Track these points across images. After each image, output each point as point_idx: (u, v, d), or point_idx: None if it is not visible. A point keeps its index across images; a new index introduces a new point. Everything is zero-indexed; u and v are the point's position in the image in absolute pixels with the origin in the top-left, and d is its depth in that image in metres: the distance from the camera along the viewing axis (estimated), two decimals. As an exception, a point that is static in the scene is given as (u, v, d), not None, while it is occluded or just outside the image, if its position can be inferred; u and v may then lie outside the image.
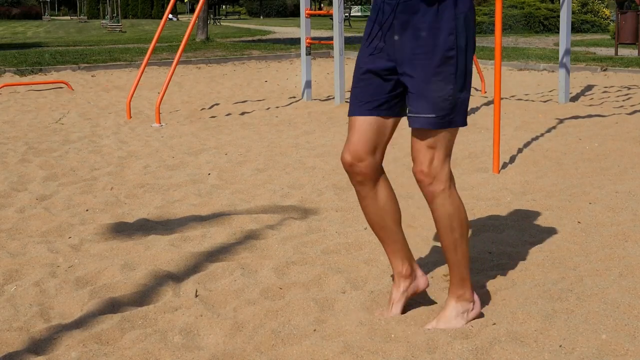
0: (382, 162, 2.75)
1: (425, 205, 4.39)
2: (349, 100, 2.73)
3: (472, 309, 2.78)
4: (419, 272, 2.92)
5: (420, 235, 3.86)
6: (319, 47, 17.16)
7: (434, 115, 2.52)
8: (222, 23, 49.28)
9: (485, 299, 3.01)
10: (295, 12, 57.67)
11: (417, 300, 2.97)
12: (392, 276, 2.94)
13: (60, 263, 3.48)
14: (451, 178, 2.64)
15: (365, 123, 2.66)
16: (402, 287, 2.87)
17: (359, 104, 2.67)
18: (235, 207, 4.46)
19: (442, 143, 2.58)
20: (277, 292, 3.11)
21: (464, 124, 2.61)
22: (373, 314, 2.85)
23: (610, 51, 17.05)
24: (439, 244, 3.69)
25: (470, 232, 2.72)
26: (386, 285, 3.13)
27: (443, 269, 3.33)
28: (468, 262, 2.74)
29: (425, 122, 2.53)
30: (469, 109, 8.47)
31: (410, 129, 2.61)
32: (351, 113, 2.69)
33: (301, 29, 9.19)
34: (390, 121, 2.70)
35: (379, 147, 2.71)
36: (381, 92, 2.64)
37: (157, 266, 3.40)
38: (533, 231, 3.89)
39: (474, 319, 2.78)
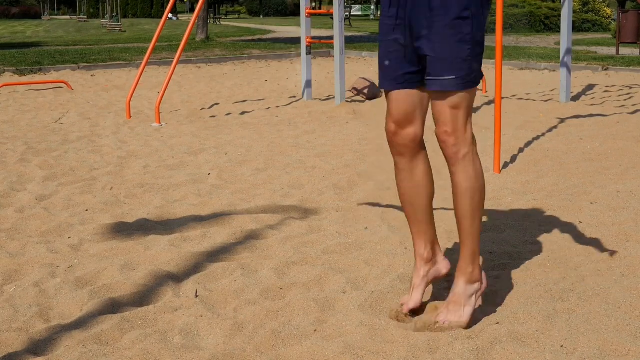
0: (422, 135, 2.76)
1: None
2: (377, 74, 2.77)
3: (480, 287, 2.75)
4: (441, 257, 2.90)
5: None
6: (320, 47, 17.16)
7: (453, 77, 2.53)
8: (222, 22, 49.30)
9: (486, 298, 3.00)
10: (295, 12, 57.72)
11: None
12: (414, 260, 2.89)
13: (60, 263, 3.47)
14: (474, 141, 2.62)
15: (400, 96, 2.69)
16: (422, 271, 2.83)
17: (389, 79, 2.69)
18: (235, 207, 4.45)
19: (464, 104, 2.57)
20: (278, 292, 3.11)
21: (479, 82, 2.62)
22: (373, 315, 2.84)
23: (612, 50, 17.05)
24: (447, 240, 3.68)
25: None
26: (387, 286, 3.12)
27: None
28: (479, 237, 2.69)
29: (446, 84, 2.54)
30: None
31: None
32: (384, 87, 2.73)
33: (301, 29, 9.18)
34: (423, 91, 2.71)
35: (419, 116, 2.72)
36: (408, 66, 2.65)
37: (157, 266, 3.39)
38: (534, 231, 3.88)
39: (480, 294, 2.76)
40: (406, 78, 2.66)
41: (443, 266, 2.89)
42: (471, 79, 2.57)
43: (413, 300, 2.79)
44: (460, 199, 2.64)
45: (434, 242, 2.86)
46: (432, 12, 2.54)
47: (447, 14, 2.52)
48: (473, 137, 2.63)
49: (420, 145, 2.76)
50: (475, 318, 2.74)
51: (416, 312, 2.81)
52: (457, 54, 2.53)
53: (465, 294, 2.70)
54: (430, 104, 2.66)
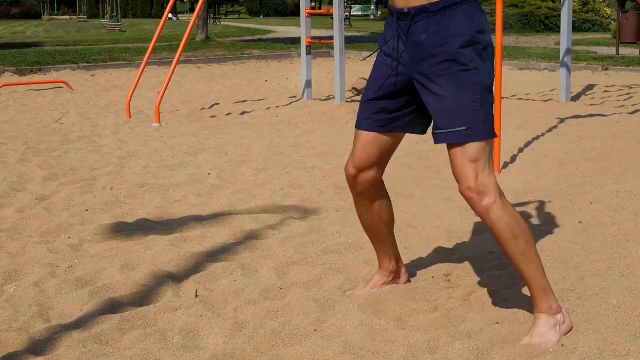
0: (382, 177, 2.83)
1: (425, 205, 4.39)
2: (357, 112, 2.78)
3: (563, 321, 2.63)
4: (403, 270, 3.13)
5: (421, 235, 3.85)
6: (320, 47, 17.16)
7: (464, 128, 2.47)
8: (222, 22, 49.30)
9: (486, 298, 3.01)
10: (295, 12, 57.73)
11: (418, 301, 2.96)
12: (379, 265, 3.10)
13: (60, 263, 3.47)
14: (499, 188, 2.54)
15: (371, 138, 2.71)
16: (384, 279, 3.06)
17: (366, 120, 2.70)
18: (235, 207, 4.45)
19: (483, 155, 2.49)
20: (278, 292, 3.11)
21: (495, 134, 2.55)
22: (373, 315, 2.84)
23: (612, 50, 17.05)
24: (439, 244, 3.68)
25: (530, 238, 2.58)
26: (387, 286, 3.12)
27: (444, 269, 3.32)
28: (543, 270, 2.60)
29: (457, 137, 2.47)
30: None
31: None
32: (358, 126, 2.73)
33: (301, 29, 9.18)
34: (396, 136, 2.75)
35: (383, 161, 2.78)
36: (392, 111, 2.66)
37: (157, 266, 3.39)
38: (534, 231, 3.88)
39: (567, 332, 2.63)
40: (385, 123, 2.67)
41: (403, 279, 3.13)
42: (485, 128, 2.49)
43: (361, 293, 3.02)
44: (507, 247, 2.55)
45: (397, 258, 3.09)
46: (436, 67, 2.49)
47: (454, 67, 2.47)
48: (498, 185, 2.55)
49: (379, 185, 2.85)
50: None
51: None
52: (467, 104, 2.47)
53: (548, 325, 2.59)
54: (449, 160, 2.58)
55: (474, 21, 2.49)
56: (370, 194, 2.83)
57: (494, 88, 2.58)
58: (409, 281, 3.15)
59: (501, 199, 2.52)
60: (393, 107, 2.66)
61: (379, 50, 2.71)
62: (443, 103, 2.50)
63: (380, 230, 2.95)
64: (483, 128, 2.49)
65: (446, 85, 2.49)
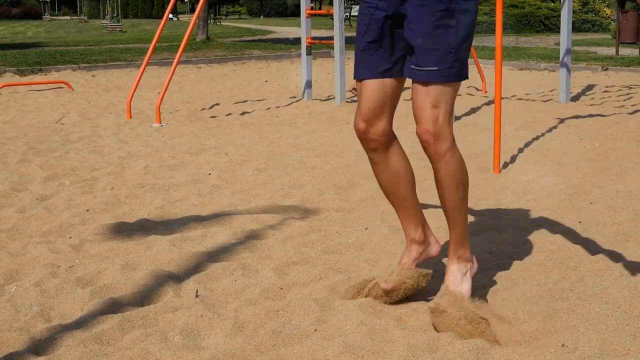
0: (391, 127, 2.77)
1: (426, 204, 4.39)
2: (353, 65, 2.77)
3: (472, 266, 2.83)
4: (432, 239, 2.95)
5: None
6: (320, 47, 17.16)
7: (436, 68, 2.51)
8: (222, 23, 49.30)
9: (486, 298, 3.01)
10: (295, 12, 57.71)
11: (417, 301, 2.97)
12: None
13: (61, 263, 3.47)
14: (453, 135, 2.63)
15: (374, 87, 2.67)
16: (414, 253, 2.89)
17: (364, 68, 2.68)
18: (235, 207, 4.45)
19: (446, 100, 2.55)
20: (278, 292, 3.11)
21: (466, 76, 2.60)
22: (374, 314, 2.85)
23: (611, 50, 17.05)
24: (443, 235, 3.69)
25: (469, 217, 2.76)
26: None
27: (444, 269, 3.32)
28: (467, 219, 2.76)
29: (430, 76, 2.52)
30: (469, 109, 8.47)
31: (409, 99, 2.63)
32: (359, 76, 2.70)
33: (302, 29, 9.19)
34: (398, 81, 2.72)
35: (389, 109, 2.74)
36: (385, 54, 2.65)
37: (157, 266, 3.40)
38: (534, 231, 3.88)
39: (474, 273, 2.85)
40: (386, 66, 2.66)
41: (434, 249, 2.97)
42: (454, 72, 2.54)
43: (393, 282, 2.82)
44: (446, 192, 2.66)
45: (424, 225, 2.91)
46: (416, 4, 2.53)
47: (434, 9, 2.51)
48: (452, 132, 2.63)
49: (391, 137, 2.78)
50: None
51: (391, 293, 2.83)
52: (441, 46, 2.51)
53: (460, 272, 2.77)
54: (411, 99, 2.63)
55: None
56: (384, 148, 2.76)
57: (473, 33, 2.61)
58: (440, 252, 3.00)
59: (453, 147, 2.60)
60: (385, 49, 2.65)
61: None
62: (418, 41, 2.53)
63: (400, 189, 2.82)
64: (451, 72, 2.54)
65: (423, 24, 2.52)
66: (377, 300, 2.91)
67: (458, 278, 2.76)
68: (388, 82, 2.70)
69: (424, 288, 2.93)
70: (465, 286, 2.76)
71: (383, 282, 2.82)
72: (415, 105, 2.59)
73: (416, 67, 2.55)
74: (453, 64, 2.54)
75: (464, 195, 2.68)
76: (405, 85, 2.83)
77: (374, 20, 2.65)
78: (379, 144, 2.75)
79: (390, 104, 2.74)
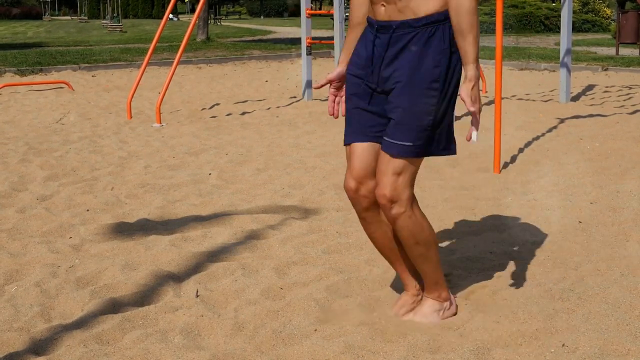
0: None
1: (425, 205, 4.40)
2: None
3: (449, 307, 2.85)
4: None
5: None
6: (320, 47, 17.16)
7: (410, 144, 2.53)
8: (222, 23, 49.31)
9: (486, 298, 3.01)
10: (295, 12, 57.71)
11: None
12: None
13: (61, 263, 3.48)
14: (412, 200, 2.64)
15: (364, 149, 2.68)
16: (413, 298, 2.90)
17: (354, 133, 2.69)
18: (236, 207, 4.45)
19: (409, 169, 2.58)
20: (278, 292, 3.11)
21: (451, 151, 2.62)
22: (374, 314, 2.85)
23: (611, 51, 17.05)
24: (439, 244, 3.69)
25: (436, 246, 2.77)
26: (386, 285, 3.13)
27: (444, 269, 3.32)
28: (439, 267, 2.78)
29: (401, 150, 2.54)
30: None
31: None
32: (348, 141, 2.71)
33: (302, 29, 9.19)
34: None
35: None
36: (375, 120, 2.65)
37: (157, 266, 3.40)
38: (534, 231, 3.88)
39: (449, 317, 2.84)
40: (374, 131, 2.66)
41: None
42: (425, 148, 2.56)
43: (396, 314, 2.88)
44: (407, 249, 2.71)
45: (420, 277, 2.90)
46: (401, 78, 2.52)
47: (415, 87, 2.51)
48: (412, 196, 2.64)
49: None
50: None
51: None
52: (417, 123, 2.52)
53: (431, 308, 2.81)
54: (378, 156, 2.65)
55: (451, 42, 2.52)
56: (376, 206, 2.74)
57: (455, 105, 2.62)
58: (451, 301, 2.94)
59: (411, 210, 2.62)
60: (375, 117, 2.65)
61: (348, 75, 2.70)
62: (397, 114, 2.54)
63: (395, 245, 2.84)
64: (423, 148, 2.56)
65: (404, 99, 2.52)
66: (376, 301, 2.92)
67: (427, 312, 2.81)
68: (377, 144, 2.68)
69: None
70: (431, 320, 2.79)
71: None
72: (378, 168, 2.62)
73: (389, 139, 2.56)
74: (427, 140, 2.55)
75: (427, 251, 2.70)
76: None
77: (362, 89, 2.65)
78: (370, 203, 2.73)
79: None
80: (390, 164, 2.57)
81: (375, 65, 2.59)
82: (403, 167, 2.57)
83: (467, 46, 2.49)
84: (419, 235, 2.66)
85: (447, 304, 2.84)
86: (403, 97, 2.52)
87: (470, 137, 2.52)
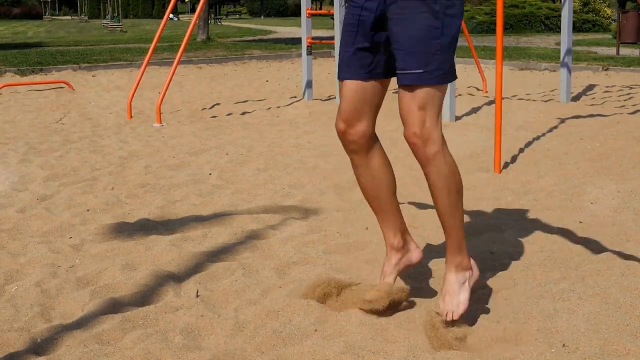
0: (373, 130, 2.75)
1: (426, 204, 4.39)
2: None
3: (472, 275, 2.74)
4: (412, 245, 2.91)
5: (421, 235, 3.85)
6: (320, 47, 17.16)
7: (421, 71, 2.48)
8: (222, 23, 49.32)
9: (486, 298, 3.01)
10: (296, 12, 57.70)
11: (416, 300, 2.97)
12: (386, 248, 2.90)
13: (61, 263, 3.48)
14: (443, 138, 2.57)
15: (355, 88, 2.65)
16: (393, 260, 2.85)
17: (347, 67, 2.65)
18: (236, 207, 4.45)
19: (433, 102, 2.51)
20: (278, 292, 3.11)
21: (454, 77, 2.58)
22: (374, 314, 2.85)
23: (612, 51, 17.04)
24: (439, 244, 3.69)
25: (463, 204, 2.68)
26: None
27: (444, 269, 3.31)
28: (463, 225, 2.68)
29: (414, 78, 2.48)
30: (470, 108, 8.47)
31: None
32: (342, 76, 2.68)
33: (302, 29, 9.19)
34: (381, 83, 2.70)
35: (371, 112, 2.71)
36: (369, 55, 2.62)
37: (158, 266, 3.40)
38: (534, 231, 3.88)
39: (474, 284, 2.76)
40: (367, 70, 2.63)
41: (414, 255, 2.91)
42: (440, 74, 2.51)
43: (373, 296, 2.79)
44: (438, 197, 2.60)
45: (403, 231, 2.87)
46: (402, 5, 2.50)
47: (419, 7, 2.49)
48: (442, 134, 2.58)
49: (372, 140, 2.75)
50: (471, 308, 2.73)
51: (372, 304, 2.79)
52: (426, 47, 2.48)
53: (457, 282, 2.68)
54: (398, 100, 2.59)
55: None
56: (364, 151, 2.72)
57: (458, 33, 2.58)
58: (421, 258, 2.94)
59: (443, 150, 2.54)
60: (369, 51, 2.62)
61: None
62: (402, 42, 2.50)
63: (381, 192, 2.79)
64: (438, 73, 2.50)
65: (408, 25, 2.49)
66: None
67: (455, 288, 2.67)
68: (369, 84, 2.66)
69: (403, 301, 2.88)
70: (462, 297, 2.66)
71: (367, 296, 2.79)
72: (402, 109, 2.55)
73: (402, 71, 2.51)
74: (440, 65, 2.50)
75: (457, 200, 2.61)
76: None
77: (360, 22, 2.62)
78: (358, 146, 2.72)
79: (370, 106, 2.71)
80: (413, 100, 2.50)
81: None
82: (426, 100, 2.49)
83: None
84: (452, 179, 2.56)
85: (469, 272, 2.71)
86: (407, 24, 2.49)
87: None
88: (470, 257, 2.77)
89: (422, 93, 2.50)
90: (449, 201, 2.59)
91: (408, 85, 2.51)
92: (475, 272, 2.77)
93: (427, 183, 2.61)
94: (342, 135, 2.72)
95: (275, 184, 5.03)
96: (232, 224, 4.10)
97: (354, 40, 2.64)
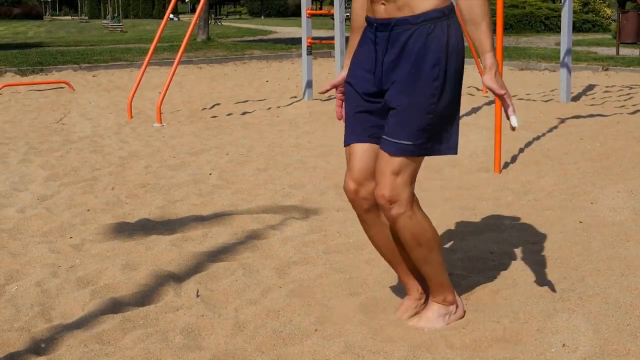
0: None
1: (425, 205, 4.39)
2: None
3: (455, 311, 2.80)
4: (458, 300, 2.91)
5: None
6: (320, 47, 17.16)
7: (409, 143, 2.50)
8: (223, 23, 49.33)
9: (486, 298, 3.02)
10: (296, 12, 57.73)
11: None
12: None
13: (62, 263, 3.48)
14: (413, 200, 2.60)
15: (364, 150, 2.65)
16: (415, 302, 2.86)
17: (354, 134, 2.66)
18: (236, 207, 4.46)
19: (409, 168, 2.54)
20: (279, 292, 3.11)
21: (453, 152, 2.58)
22: (374, 314, 2.85)
23: (612, 51, 17.04)
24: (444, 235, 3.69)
25: (439, 246, 2.72)
26: (387, 285, 3.13)
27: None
28: (443, 269, 2.73)
29: (400, 149, 2.50)
30: (470, 108, 8.47)
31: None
32: (348, 142, 2.68)
33: (302, 29, 9.19)
34: None
35: None
36: (376, 121, 2.63)
37: (158, 266, 3.40)
38: (534, 231, 3.88)
39: (456, 320, 2.79)
40: (373, 131, 2.63)
41: (460, 311, 2.91)
42: (426, 147, 2.53)
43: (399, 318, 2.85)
44: (409, 250, 2.66)
45: (423, 279, 2.86)
46: (401, 77, 2.50)
47: (415, 86, 2.48)
48: (412, 196, 2.59)
49: None
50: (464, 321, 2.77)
51: None
52: (417, 122, 2.48)
53: (438, 312, 2.76)
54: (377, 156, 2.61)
55: (450, 39, 2.49)
56: (377, 208, 2.71)
57: (458, 111, 2.59)
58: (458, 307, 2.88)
59: (411, 211, 2.58)
60: (375, 118, 2.63)
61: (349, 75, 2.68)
62: (396, 113, 2.51)
63: (397, 248, 2.79)
64: (423, 147, 2.52)
65: (404, 98, 2.49)
66: (377, 301, 2.91)
67: (433, 317, 2.75)
68: (376, 146, 2.65)
69: None
70: (435, 326, 2.73)
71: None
72: (376, 168, 2.58)
73: (387, 138, 2.52)
74: (428, 138, 2.52)
75: (429, 253, 2.65)
76: None
77: (362, 91, 2.62)
78: (371, 204, 2.70)
79: None
80: (389, 164, 2.53)
81: (377, 67, 2.57)
82: (402, 167, 2.53)
83: (481, 35, 2.48)
84: (421, 236, 2.62)
85: (453, 307, 2.79)
86: (402, 96, 2.50)
87: (511, 124, 2.46)
88: (457, 296, 2.83)
89: (399, 161, 2.52)
90: (419, 254, 2.65)
91: (389, 151, 2.53)
92: (460, 310, 2.82)
93: (401, 240, 2.66)
94: (353, 195, 2.70)
95: (276, 184, 5.03)
96: (232, 224, 4.10)
97: (356, 107, 2.65)
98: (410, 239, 2.62)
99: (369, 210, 2.71)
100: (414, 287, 2.86)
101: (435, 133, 2.53)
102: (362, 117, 2.64)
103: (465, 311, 2.85)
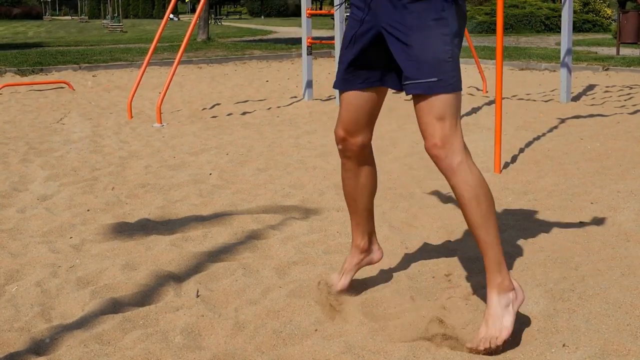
0: (370, 140, 2.78)
1: (426, 205, 4.39)
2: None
3: (516, 297, 2.55)
4: (376, 247, 3.01)
5: (421, 235, 3.85)
6: (320, 47, 17.16)
7: (435, 79, 2.41)
8: (223, 23, 49.33)
9: (486, 298, 3.01)
10: (296, 12, 57.73)
11: (418, 301, 2.97)
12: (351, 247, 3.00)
13: (62, 263, 3.48)
14: (466, 147, 2.48)
15: (355, 97, 2.65)
16: (356, 259, 2.96)
17: (344, 79, 2.66)
18: (236, 207, 4.45)
19: (451, 110, 2.43)
20: (279, 292, 3.11)
21: (461, 87, 2.53)
22: (374, 314, 2.85)
23: (612, 51, 17.04)
24: (439, 244, 3.69)
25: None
26: (387, 285, 3.13)
27: (444, 269, 3.33)
28: (499, 241, 2.51)
29: (427, 88, 2.41)
30: (470, 108, 8.47)
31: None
32: (336, 86, 2.69)
33: (302, 29, 9.19)
34: (377, 91, 2.70)
35: (370, 122, 2.74)
36: (366, 66, 2.61)
37: (158, 266, 3.40)
38: (534, 231, 3.88)
39: (519, 307, 2.57)
40: (366, 80, 2.61)
41: (376, 255, 3.02)
42: (454, 82, 2.44)
43: (342, 284, 2.93)
44: (468, 210, 2.46)
45: (371, 234, 2.97)
46: (406, 16, 2.45)
47: (424, 17, 2.43)
48: (464, 144, 2.49)
49: (367, 149, 2.79)
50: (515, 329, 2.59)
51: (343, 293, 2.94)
52: (438, 55, 2.41)
53: (500, 305, 2.52)
54: (415, 114, 2.52)
55: None
56: (358, 159, 2.75)
57: (462, 40, 2.55)
58: (382, 257, 3.03)
59: (467, 159, 2.45)
60: (367, 61, 2.60)
61: (351, 5, 2.66)
62: (412, 53, 2.43)
63: (362, 198, 2.84)
64: (452, 81, 2.44)
65: (416, 35, 2.43)
66: (377, 301, 2.93)
67: (498, 312, 2.50)
68: (368, 94, 2.65)
69: None
70: (505, 321, 2.49)
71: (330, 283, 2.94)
72: (420, 122, 2.47)
73: (414, 81, 2.43)
74: (452, 72, 2.44)
75: (489, 211, 2.45)
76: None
77: (359, 35, 2.59)
78: (354, 154, 2.75)
79: (370, 116, 2.71)
80: (431, 111, 2.42)
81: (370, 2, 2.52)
82: (443, 109, 2.41)
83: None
84: (480, 190, 2.43)
85: (512, 293, 2.52)
86: (414, 33, 2.43)
87: None
88: (514, 279, 2.60)
89: (438, 102, 2.42)
90: (479, 212, 2.45)
91: (423, 95, 2.44)
92: (520, 294, 2.57)
93: (455, 195, 2.51)
94: (341, 142, 2.75)
95: (276, 184, 5.03)
96: (232, 224, 4.10)
97: (351, 52, 2.63)
98: (469, 192, 2.43)
99: (351, 157, 2.77)
100: (359, 239, 2.93)
101: (454, 64, 2.45)
102: (358, 63, 2.60)
103: (524, 296, 2.59)
